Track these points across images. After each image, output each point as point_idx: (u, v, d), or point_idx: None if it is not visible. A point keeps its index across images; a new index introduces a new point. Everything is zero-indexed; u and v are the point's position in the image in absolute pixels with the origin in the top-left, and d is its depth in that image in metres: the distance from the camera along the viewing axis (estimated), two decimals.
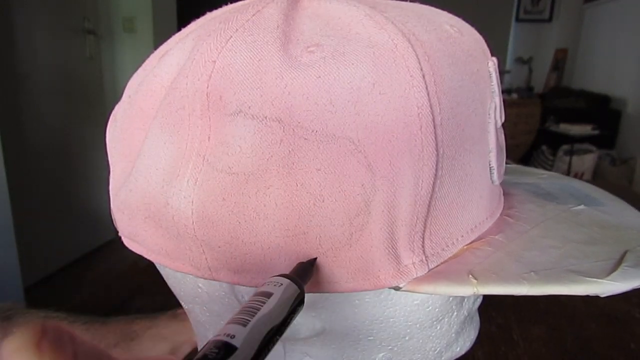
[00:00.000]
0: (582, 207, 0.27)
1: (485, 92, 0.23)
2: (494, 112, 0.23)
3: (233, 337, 0.14)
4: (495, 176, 0.24)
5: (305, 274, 0.19)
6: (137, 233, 0.23)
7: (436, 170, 0.19)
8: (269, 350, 0.15)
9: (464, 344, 0.28)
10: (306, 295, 0.21)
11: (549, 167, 2.94)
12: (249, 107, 0.19)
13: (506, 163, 0.28)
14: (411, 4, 0.24)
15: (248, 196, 0.19)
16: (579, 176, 2.67)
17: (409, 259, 0.20)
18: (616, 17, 2.98)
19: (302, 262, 0.19)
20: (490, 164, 0.23)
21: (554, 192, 0.29)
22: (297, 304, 0.17)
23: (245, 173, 0.19)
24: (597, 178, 2.73)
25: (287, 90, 0.19)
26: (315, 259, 0.19)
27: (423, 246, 0.20)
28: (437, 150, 0.19)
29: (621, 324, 0.53)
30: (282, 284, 0.17)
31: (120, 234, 0.25)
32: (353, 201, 0.19)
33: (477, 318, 0.30)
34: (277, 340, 0.16)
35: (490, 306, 0.25)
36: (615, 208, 0.28)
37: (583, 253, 0.22)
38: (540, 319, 0.54)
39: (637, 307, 0.56)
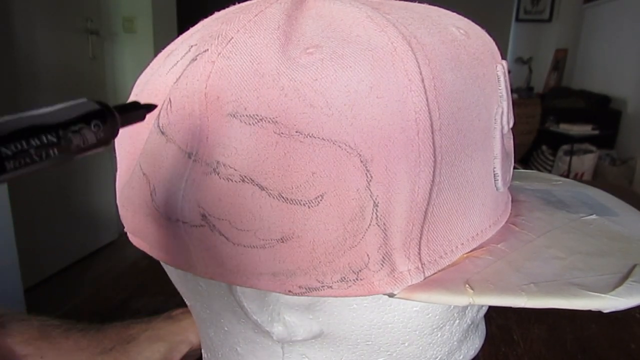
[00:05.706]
0: (593, 216, 0.26)
1: (491, 97, 0.22)
2: (500, 117, 0.23)
3: None
4: (499, 183, 0.23)
5: (131, 108, 0.18)
6: (139, 230, 0.23)
7: (433, 176, 0.19)
8: (31, 147, 0.14)
9: (467, 352, 0.28)
10: (303, 297, 0.21)
11: (549, 167, 2.94)
12: (245, 109, 0.19)
13: (515, 168, 0.26)
14: (419, 5, 0.23)
15: (243, 197, 0.19)
16: (578, 176, 2.66)
17: (404, 265, 0.20)
18: (616, 17, 2.97)
19: (138, 102, 0.18)
20: (494, 171, 0.23)
21: (566, 200, 0.28)
22: (90, 118, 0.16)
23: (240, 175, 0.19)
24: (597, 178, 2.72)
25: (283, 92, 0.18)
26: (154, 106, 0.19)
27: (419, 253, 0.20)
28: (434, 156, 0.19)
29: (621, 324, 0.53)
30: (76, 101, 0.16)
31: (125, 229, 0.25)
32: (347, 206, 0.18)
33: (482, 326, 0.30)
34: (50, 141, 0.14)
35: (490, 306, 0.24)
36: (629, 219, 0.27)
37: (588, 265, 0.21)
38: (541, 319, 0.53)
39: (637, 307, 0.56)
